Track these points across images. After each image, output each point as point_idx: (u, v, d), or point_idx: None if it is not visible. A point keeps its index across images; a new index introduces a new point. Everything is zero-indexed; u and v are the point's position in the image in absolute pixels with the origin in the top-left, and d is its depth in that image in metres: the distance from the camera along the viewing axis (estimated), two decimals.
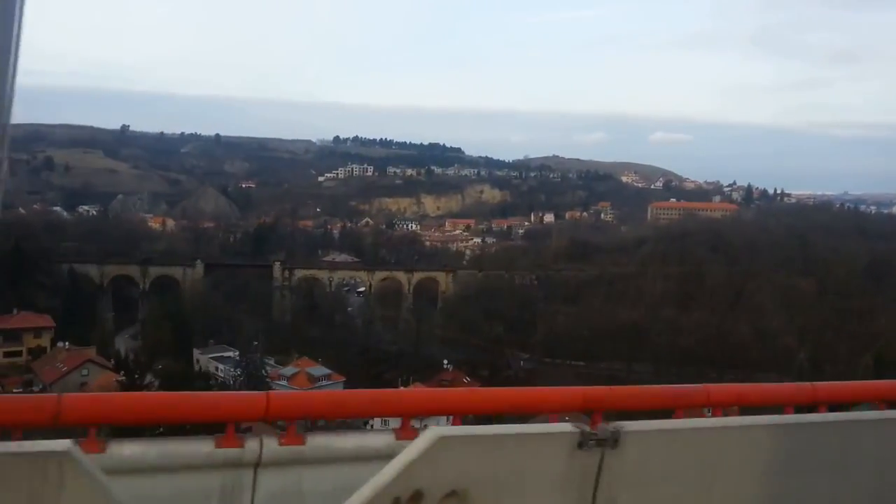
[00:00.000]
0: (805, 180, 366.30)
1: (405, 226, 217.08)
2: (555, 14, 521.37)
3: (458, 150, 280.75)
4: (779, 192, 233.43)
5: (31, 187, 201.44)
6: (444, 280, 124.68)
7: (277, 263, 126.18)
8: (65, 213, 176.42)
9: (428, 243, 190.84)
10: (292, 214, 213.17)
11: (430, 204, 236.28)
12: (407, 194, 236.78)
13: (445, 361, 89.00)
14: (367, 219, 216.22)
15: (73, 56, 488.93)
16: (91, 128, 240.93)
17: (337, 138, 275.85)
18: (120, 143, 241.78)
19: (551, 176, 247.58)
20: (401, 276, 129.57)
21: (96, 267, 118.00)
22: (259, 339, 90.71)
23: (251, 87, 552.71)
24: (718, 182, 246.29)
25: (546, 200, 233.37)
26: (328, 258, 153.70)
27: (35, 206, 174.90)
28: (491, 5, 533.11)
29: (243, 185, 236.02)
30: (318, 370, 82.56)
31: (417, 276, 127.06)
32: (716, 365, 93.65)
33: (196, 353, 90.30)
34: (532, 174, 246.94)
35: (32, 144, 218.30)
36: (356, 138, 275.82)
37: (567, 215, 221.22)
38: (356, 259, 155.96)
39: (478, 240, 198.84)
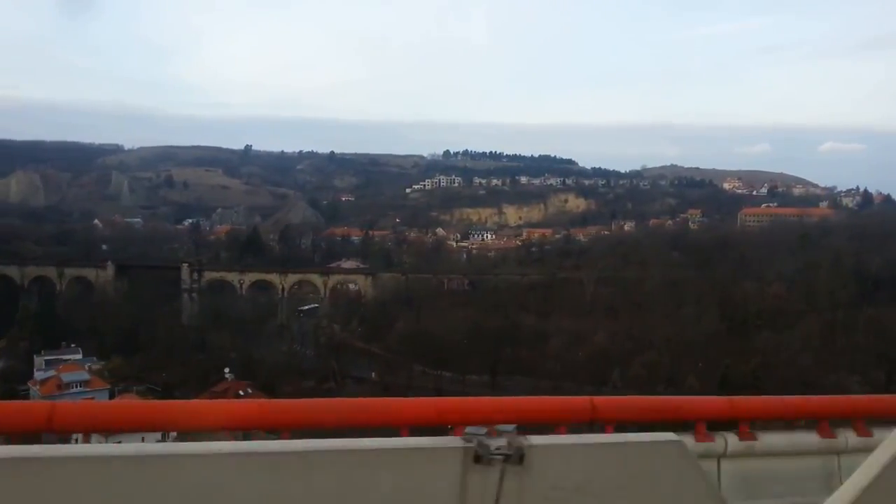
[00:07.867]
0: None
1: (481, 236, 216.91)
2: (710, 27, 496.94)
3: (570, 161, 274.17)
4: None
5: (147, 202, 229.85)
6: (363, 283, 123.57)
7: (185, 265, 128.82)
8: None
9: (473, 249, 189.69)
10: (371, 224, 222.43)
11: (511, 213, 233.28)
12: (489, 204, 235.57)
13: (227, 370, 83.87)
14: (438, 228, 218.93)
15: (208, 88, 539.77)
16: (216, 148, 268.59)
17: (447, 152, 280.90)
18: (243, 161, 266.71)
19: (641, 184, 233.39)
20: (315, 279, 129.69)
21: (17, 268, 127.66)
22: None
23: (363, 110, 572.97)
24: (834, 187, 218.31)
25: (633, 209, 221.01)
26: (334, 265, 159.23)
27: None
28: (652, 22, 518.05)
29: (343, 199, 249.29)
30: (75, 376, 79.44)
31: (334, 279, 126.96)
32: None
33: (37, 356, 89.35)
34: (621, 182, 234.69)
35: (160, 164, 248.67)
36: (466, 152, 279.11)
37: (651, 223, 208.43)
38: (363, 265, 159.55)
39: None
